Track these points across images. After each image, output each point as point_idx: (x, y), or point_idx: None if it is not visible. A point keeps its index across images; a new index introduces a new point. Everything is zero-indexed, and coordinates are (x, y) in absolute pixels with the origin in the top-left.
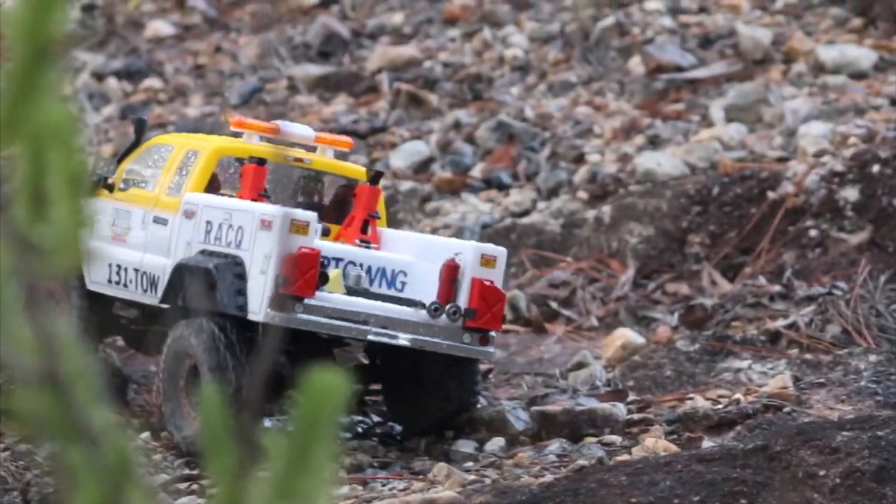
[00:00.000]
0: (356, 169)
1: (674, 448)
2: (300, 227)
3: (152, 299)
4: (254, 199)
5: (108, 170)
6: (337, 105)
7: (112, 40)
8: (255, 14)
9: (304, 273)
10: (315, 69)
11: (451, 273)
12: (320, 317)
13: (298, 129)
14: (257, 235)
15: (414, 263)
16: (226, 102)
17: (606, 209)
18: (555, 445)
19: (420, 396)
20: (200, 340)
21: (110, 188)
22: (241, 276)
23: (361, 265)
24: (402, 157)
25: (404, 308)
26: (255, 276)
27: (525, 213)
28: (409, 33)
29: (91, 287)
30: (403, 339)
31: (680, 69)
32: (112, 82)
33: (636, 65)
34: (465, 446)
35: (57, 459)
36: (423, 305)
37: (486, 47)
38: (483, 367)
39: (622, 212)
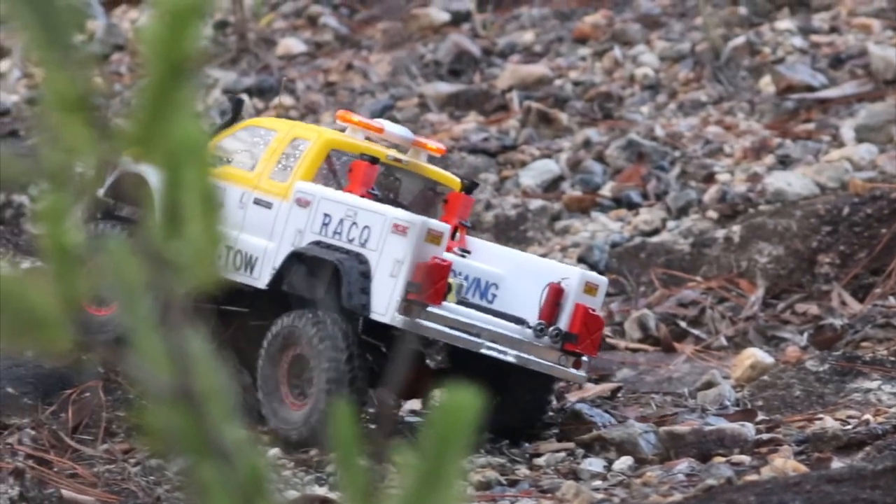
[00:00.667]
0: (449, 176)
1: (803, 468)
2: (435, 237)
3: (247, 278)
4: (362, 196)
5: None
6: (467, 123)
7: (244, 57)
8: (386, 32)
9: (435, 282)
10: (446, 87)
11: (555, 295)
12: (441, 325)
13: (400, 131)
14: (388, 238)
15: (505, 277)
16: None
17: (736, 228)
18: (683, 465)
19: (495, 406)
20: (317, 331)
21: None
22: (366, 275)
23: (461, 274)
24: (532, 175)
25: (510, 324)
26: (383, 278)
27: (654, 231)
28: (540, 52)
29: None
30: (511, 356)
31: (810, 89)
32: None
33: (767, 84)
34: (594, 465)
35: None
36: (527, 324)
37: (617, 66)
38: (611, 385)
39: (752, 231)
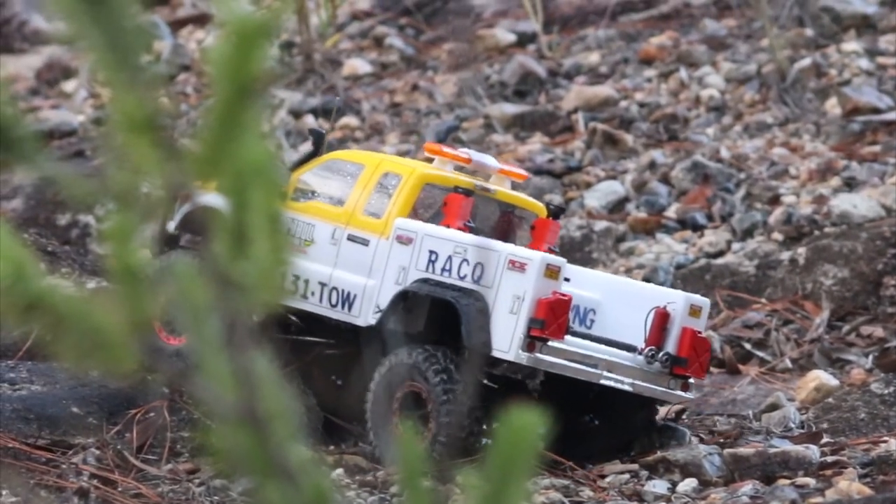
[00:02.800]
0: (533, 202)
1: (867, 491)
2: (553, 272)
3: (345, 316)
4: (459, 230)
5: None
6: (532, 144)
7: (310, 78)
8: (452, 52)
9: (558, 317)
10: (511, 108)
11: (662, 320)
12: (563, 359)
13: (485, 159)
14: (504, 275)
15: (601, 302)
16: (422, 140)
17: (801, 251)
18: (747, 487)
19: (598, 431)
20: (434, 369)
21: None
22: (484, 313)
23: None
24: (597, 196)
25: (622, 352)
26: (502, 315)
27: (719, 253)
28: (606, 73)
29: None
30: (626, 384)
31: (877, 111)
32: (309, 120)
33: (833, 106)
34: (658, 487)
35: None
36: (638, 350)
37: (682, 87)
38: (677, 407)
39: (817, 253)
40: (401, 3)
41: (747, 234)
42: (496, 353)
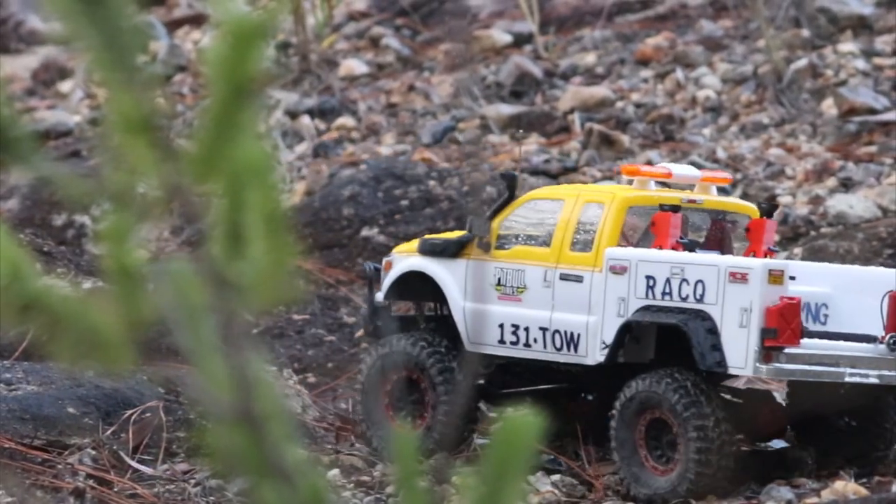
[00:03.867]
0: (744, 204)
1: (863, 491)
2: (777, 277)
3: (571, 357)
4: (673, 248)
5: (482, 229)
6: (529, 144)
7: (306, 79)
8: (448, 53)
9: (790, 323)
10: (507, 108)
11: None
12: (802, 364)
13: (686, 171)
14: (727, 288)
15: (832, 295)
16: (418, 141)
17: (798, 251)
18: (742, 487)
19: (844, 433)
20: (679, 397)
21: (486, 247)
22: (713, 331)
23: None
24: None
25: (861, 344)
26: (732, 330)
27: None
28: (602, 73)
29: (473, 348)
30: (873, 377)
31: (873, 112)
32: (305, 120)
33: (829, 107)
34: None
35: (249, 496)
36: (877, 340)
37: (679, 88)
38: None
39: (813, 254)
40: (397, 4)
41: None
42: (733, 371)
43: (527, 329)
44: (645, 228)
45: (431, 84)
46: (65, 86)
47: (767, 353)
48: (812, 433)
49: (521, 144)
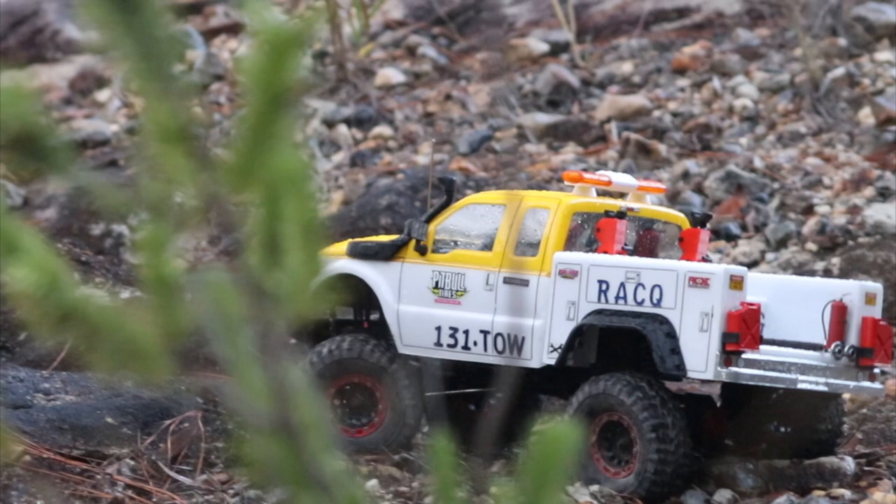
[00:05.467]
0: (677, 215)
1: None
2: (737, 283)
3: (515, 360)
4: (619, 254)
5: (420, 232)
6: (566, 154)
7: (343, 88)
8: (485, 62)
9: (750, 328)
10: (544, 118)
11: (840, 313)
12: (758, 370)
13: (624, 179)
14: (687, 293)
15: (768, 305)
16: (455, 150)
17: (835, 261)
18: (783, 498)
19: (782, 437)
20: (636, 399)
21: (423, 251)
22: (672, 335)
23: None
24: None
25: (809, 352)
26: (691, 335)
27: (753, 263)
28: (639, 82)
29: (406, 350)
30: (822, 385)
31: None
32: (342, 129)
33: (866, 116)
34: (694, 498)
35: None
36: (822, 348)
37: (716, 97)
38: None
39: (851, 263)
40: (434, 13)
41: (781, 244)
42: (693, 375)
43: (466, 332)
44: (590, 235)
45: (468, 93)
46: (102, 95)
47: (728, 357)
48: (748, 440)
49: (434, 151)
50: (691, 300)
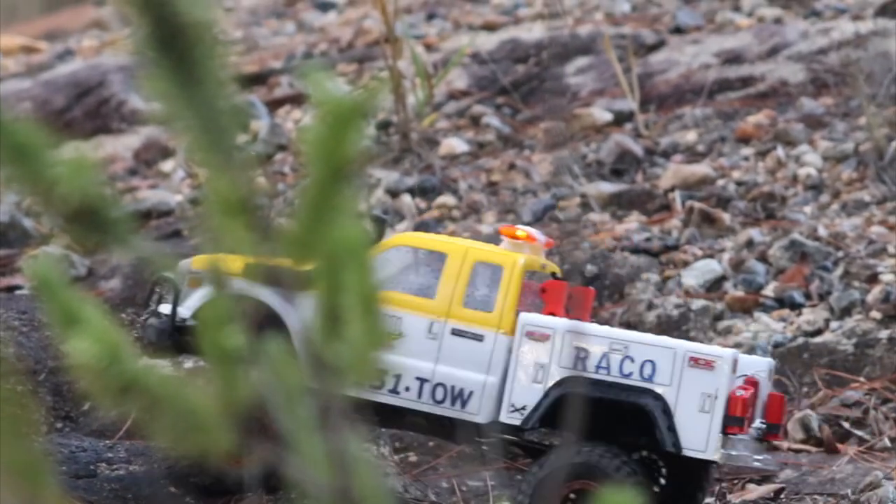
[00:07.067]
0: (554, 266)
1: None
2: (734, 365)
3: (456, 412)
4: (564, 317)
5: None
6: (629, 223)
7: (407, 157)
8: (548, 131)
9: (746, 411)
10: (608, 186)
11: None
12: (743, 450)
13: (541, 236)
14: (686, 372)
15: None
16: (518, 219)
17: None
18: None
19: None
20: (621, 471)
21: None
22: (668, 412)
23: None
24: (695, 275)
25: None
26: (690, 413)
27: (817, 332)
28: (703, 151)
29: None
30: (759, 463)
31: None
32: (406, 199)
33: None
34: None
35: None
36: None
37: (780, 166)
38: (775, 486)
39: None
40: (498, 83)
41: (845, 312)
42: (691, 453)
43: (398, 376)
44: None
45: (532, 162)
46: (167, 165)
47: (724, 438)
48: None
49: (388, 225)
50: (691, 380)
